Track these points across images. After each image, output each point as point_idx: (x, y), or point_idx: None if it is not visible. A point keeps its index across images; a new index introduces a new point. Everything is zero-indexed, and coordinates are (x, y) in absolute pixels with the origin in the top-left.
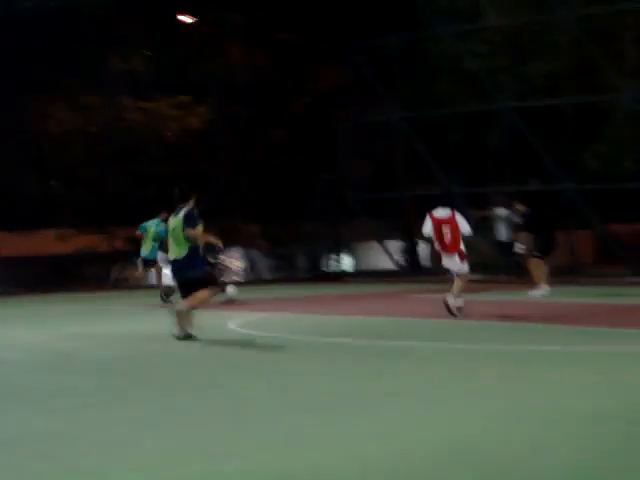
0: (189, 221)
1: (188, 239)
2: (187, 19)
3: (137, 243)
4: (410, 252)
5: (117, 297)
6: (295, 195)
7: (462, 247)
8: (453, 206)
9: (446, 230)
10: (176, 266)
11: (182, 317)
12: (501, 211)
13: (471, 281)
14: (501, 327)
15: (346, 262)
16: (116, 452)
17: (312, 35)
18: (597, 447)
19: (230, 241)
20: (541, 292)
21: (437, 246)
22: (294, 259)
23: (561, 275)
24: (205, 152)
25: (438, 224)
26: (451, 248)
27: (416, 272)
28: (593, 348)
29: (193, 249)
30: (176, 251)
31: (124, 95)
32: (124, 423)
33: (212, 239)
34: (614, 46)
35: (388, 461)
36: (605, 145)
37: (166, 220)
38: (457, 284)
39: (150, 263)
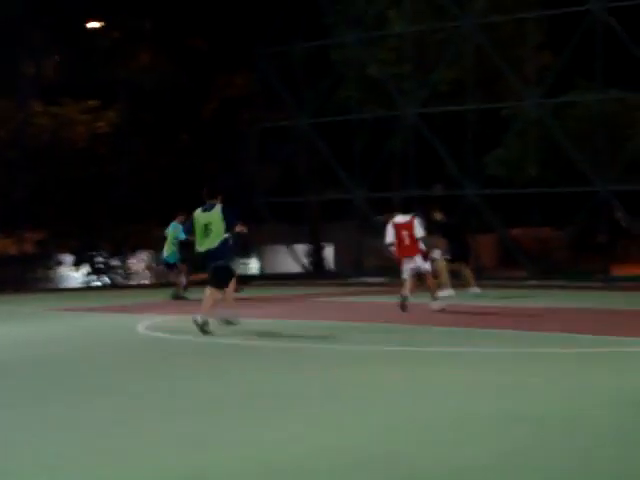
0: (231, 218)
1: (228, 232)
2: (96, 24)
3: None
4: (316, 256)
5: (29, 300)
6: (203, 199)
7: (421, 248)
8: (412, 210)
9: (405, 234)
10: (210, 256)
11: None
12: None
13: (374, 284)
14: (403, 329)
15: (253, 265)
16: (17, 452)
17: (220, 42)
18: (501, 447)
19: (138, 244)
20: (448, 293)
21: (396, 251)
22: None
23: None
24: (114, 156)
25: (398, 229)
26: (410, 252)
27: (322, 275)
28: (494, 350)
29: (225, 241)
30: (209, 243)
31: (34, 100)
32: (26, 423)
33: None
34: (516, 54)
35: (289, 464)
36: (507, 151)
37: (183, 223)
38: (430, 283)
39: (171, 265)
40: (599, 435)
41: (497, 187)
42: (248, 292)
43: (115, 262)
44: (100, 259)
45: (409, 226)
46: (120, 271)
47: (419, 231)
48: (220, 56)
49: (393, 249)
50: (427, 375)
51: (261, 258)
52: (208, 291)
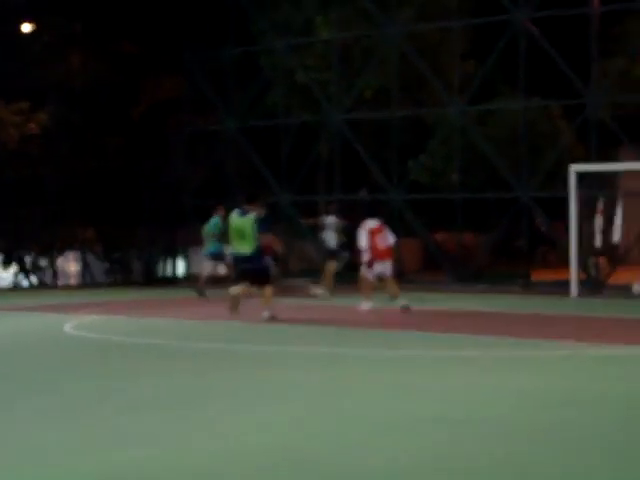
0: (261, 227)
1: (257, 239)
2: (28, 26)
3: None
4: None
5: None
6: (130, 200)
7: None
8: (377, 214)
9: (379, 239)
10: (243, 259)
11: (235, 301)
12: (330, 219)
13: (299, 286)
14: (327, 331)
15: (180, 267)
16: None
17: (150, 46)
18: (421, 449)
19: (67, 245)
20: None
21: (369, 255)
22: (129, 263)
23: None
24: (45, 157)
25: (372, 234)
26: (386, 255)
27: None
28: (416, 352)
29: (258, 247)
30: (243, 247)
31: None
32: None
33: (276, 244)
34: (441, 62)
35: (213, 462)
36: (431, 158)
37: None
38: (392, 286)
39: (216, 256)
40: (516, 436)
41: (421, 192)
42: (175, 293)
43: (44, 262)
44: (29, 259)
45: (381, 230)
46: (49, 271)
47: (391, 237)
48: (150, 59)
49: (368, 254)
50: (348, 376)
51: (187, 259)
52: (239, 289)
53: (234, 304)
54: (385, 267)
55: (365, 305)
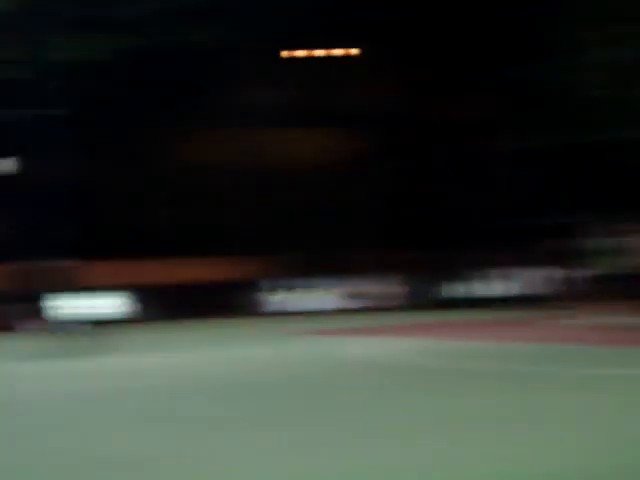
0: None
1: None
2: (341, 52)
3: None
4: None
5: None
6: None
7: None
8: None
9: None
10: None
11: None
12: None
13: None
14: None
15: (498, 288)
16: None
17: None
18: None
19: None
20: None
21: None
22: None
23: None
24: (359, 180)
25: None
26: None
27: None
28: None
29: None
30: None
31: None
32: (265, 445)
33: None
34: None
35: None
36: None
37: None
38: None
39: None
40: None
41: None
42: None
43: (368, 286)
44: (355, 283)
45: None
46: (373, 294)
47: None
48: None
49: None
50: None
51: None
52: None
53: None
54: None
55: None
